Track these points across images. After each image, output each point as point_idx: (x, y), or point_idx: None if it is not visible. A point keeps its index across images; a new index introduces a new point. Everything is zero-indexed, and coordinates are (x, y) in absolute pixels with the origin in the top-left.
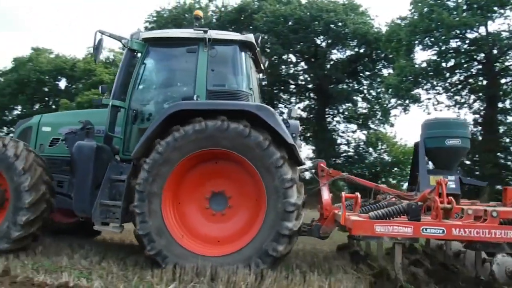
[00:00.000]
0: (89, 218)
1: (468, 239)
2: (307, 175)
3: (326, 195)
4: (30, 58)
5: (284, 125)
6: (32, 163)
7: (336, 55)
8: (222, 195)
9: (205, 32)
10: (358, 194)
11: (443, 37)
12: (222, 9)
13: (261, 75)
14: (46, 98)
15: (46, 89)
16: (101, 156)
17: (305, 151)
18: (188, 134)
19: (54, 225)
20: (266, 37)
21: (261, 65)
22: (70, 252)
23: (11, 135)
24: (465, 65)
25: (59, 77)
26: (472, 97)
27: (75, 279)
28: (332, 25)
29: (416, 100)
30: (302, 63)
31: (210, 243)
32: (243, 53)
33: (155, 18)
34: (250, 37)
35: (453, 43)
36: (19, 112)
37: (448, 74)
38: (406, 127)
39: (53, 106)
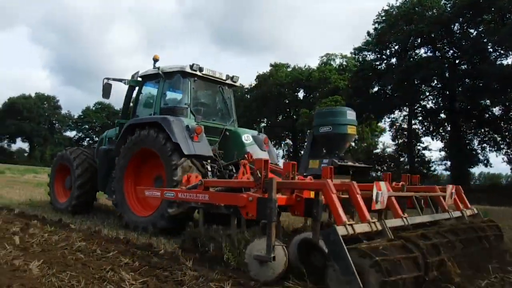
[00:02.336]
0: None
1: (185, 200)
2: None
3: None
4: (271, 74)
5: (181, 130)
6: (79, 154)
7: None
8: (160, 177)
9: (158, 69)
10: (190, 174)
11: None
12: None
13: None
14: (287, 109)
15: (287, 101)
16: (110, 155)
17: None
18: (128, 143)
19: None
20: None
21: (218, 79)
22: None
23: None
24: None
25: (297, 88)
26: None
27: None
28: None
29: None
30: None
31: (152, 209)
32: (185, 79)
33: (383, 18)
34: (185, 67)
35: None
36: (264, 124)
37: None
38: None
39: (294, 116)
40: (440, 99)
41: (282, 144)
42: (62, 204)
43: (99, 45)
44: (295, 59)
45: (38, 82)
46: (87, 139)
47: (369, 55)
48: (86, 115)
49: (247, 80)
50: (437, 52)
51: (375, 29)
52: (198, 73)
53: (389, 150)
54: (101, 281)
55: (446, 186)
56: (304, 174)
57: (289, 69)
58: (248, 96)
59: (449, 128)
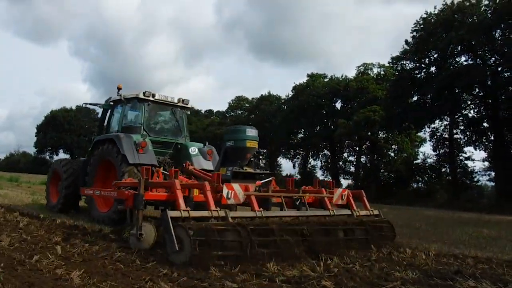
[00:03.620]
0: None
1: (106, 196)
2: None
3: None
4: (307, 84)
5: (129, 145)
6: (67, 163)
7: None
8: None
9: (120, 95)
10: (128, 178)
11: None
12: (497, 1)
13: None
14: (325, 120)
15: (324, 111)
16: (86, 165)
17: None
18: (95, 155)
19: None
20: None
21: (170, 103)
22: None
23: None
24: None
25: (335, 98)
26: None
27: None
28: None
29: None
30: None
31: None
32: (141, 103)
33: (422, 26)
34: (140, 93)
35: None
36: (302, 135)
37: None
38: None
39: (332, 127)
40: (482, 108)
41: (320, 155)
42: (53, 204)
43: (139, 58)
44: (335, 68)
45: (78, 95)
46: None
47: (408, 64)
48: None
49: (284, 91)
50: (478, 59)
51: (413, 37)
52: (151, 98)
53: (430, 160)
54: None
55: (335, 189)
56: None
57: (326, 79)
58: (285, 107)
59: (492, 138)
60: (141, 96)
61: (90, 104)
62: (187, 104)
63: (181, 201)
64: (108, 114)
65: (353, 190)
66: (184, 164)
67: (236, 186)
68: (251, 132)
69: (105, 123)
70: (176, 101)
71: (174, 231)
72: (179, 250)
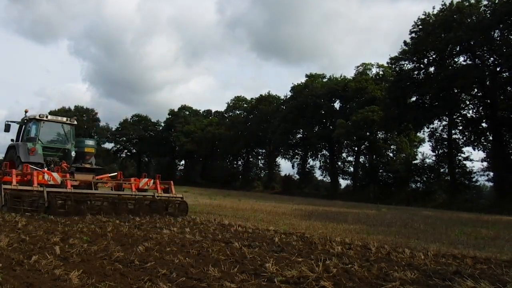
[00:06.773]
0: None
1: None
2: None
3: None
4: (306, 85)
5: (24, 149)
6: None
7: None
8: None
9: (26, 117)
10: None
11: None
12: (496, 1)
13: (68, 126)
14: (323, 120)
15: (323, 112)
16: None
17: None
18: (7, 157)
19: None
20: None
21: (59, 122)
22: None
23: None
24: None
25: (333, 98)
26: None
27: None
28: None
29: None
30: None
31: None
32: (37, 122)
33: (420, 27)
34: (36, 115)
35: None
36: (301, 135)
37: None
38: None
39: (330, 127)
40: (481, 108)
41: (319, 155)
42: None
43: (139, 58)
44: (338, 68)
45: (78, 95)
46: (125, 150)
47: (406, 64)
48: (123, 127)
49: (285, 91)
50: (477, 59)
51: (412, 38)
52: (45, 118)
53: (428, 161)
54: None
55: (142, 179)
56: (70, 172)
57: (324, 80)
58: (284, 107)
59: (491, 138)
60: (38, 117)
61: (12, 121)
62: (73, 122)
63: (14, 180)
64: (22, 128)
65: (163, 181)
66: (61, 163)
67: (54, 174)
68: (89, 142)
69: (20, 135)
70: (64, 120)
71: (3, 195)
72: (4, 204)
